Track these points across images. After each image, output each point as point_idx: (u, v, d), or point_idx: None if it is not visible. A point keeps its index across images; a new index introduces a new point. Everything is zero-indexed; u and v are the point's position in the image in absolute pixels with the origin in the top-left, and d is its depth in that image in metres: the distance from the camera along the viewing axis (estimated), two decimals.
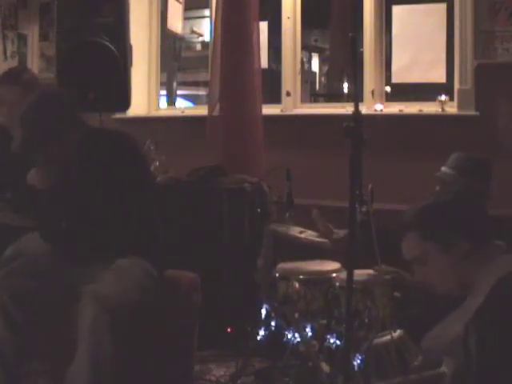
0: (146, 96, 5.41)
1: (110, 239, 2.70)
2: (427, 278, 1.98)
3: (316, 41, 8.86)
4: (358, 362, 2.76)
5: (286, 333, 3.11)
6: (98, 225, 2.70)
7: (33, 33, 5.53)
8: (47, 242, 2.82)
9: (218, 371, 3.48)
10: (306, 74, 8.25)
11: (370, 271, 2.92)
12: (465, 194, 2.06)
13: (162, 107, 5.75)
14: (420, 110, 4.39)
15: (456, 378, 1.83)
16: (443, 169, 3.31)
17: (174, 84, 7.00)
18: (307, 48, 8.49)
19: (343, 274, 2.95)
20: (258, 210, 3.78)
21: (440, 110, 4.28)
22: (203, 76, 7.08)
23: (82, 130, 2.83)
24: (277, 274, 3.13)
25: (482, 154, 3.33)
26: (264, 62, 4.74)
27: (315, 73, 9.28)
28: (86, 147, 2.80)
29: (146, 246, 2.80)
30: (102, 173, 2.75)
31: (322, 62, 9.14)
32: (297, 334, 3.07)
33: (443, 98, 4.28)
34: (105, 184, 2.73)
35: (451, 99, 4.29)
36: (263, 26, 4.80)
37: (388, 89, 4.84)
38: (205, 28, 7.16)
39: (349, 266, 2.09)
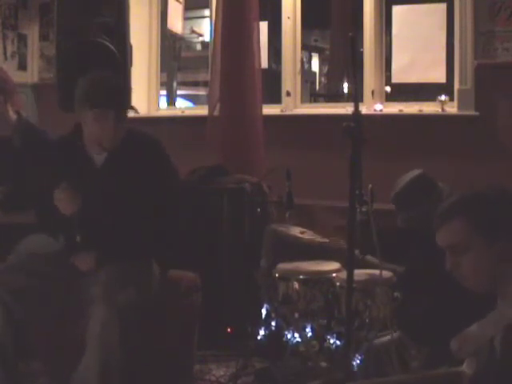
0: (146, 96, 5.41)
1: (126, 240, 2.71)
2: (460, 268, 1.90)
3: (316, 41, 8.87)
4: (358, 362, 2.76)
5: (286, 333, 3.11)
6: (117, 225, 2.71)
7: (33, 33, 5.53)
8: (52, 236, 2.83)
9: (218, 371, 3.48)
10: (306, 74, 8.26)
11: (370, 271, 2.92)
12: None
13: (162, 107, 5.75)
14: (420, 110, 4.39)
15: (476, 379, 1.80)
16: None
17: (174, 84, 7.00)
18: (307, 48, 8.51)
19: (343, 274, 2.95)
20: (258, 209, 3.78)
21: (440, 110, 4.28)
22: (203, 76, 7.08)
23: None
24: (277, 274, 3.13)
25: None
26: (264, 62, 4.74)
27: (315, 73, 9.29)
28: (123, 145, 2.82)
29: (156, 248, 2.81)
30: (131, 172, 2.76)
31: (322, 62, 9.15)
32: (297, 334, 3.07)
33: (443, 97, 4.28)
34: (132, 184, 2.74)
35: (451, 99, 4.29)
36: (263, 26, 4.80)
37: (388, 89, 4.84)
38: (205, 28, 7.17)
39: (349, 266, 2.09)
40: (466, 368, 1.88)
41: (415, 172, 3.15)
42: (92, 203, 2.75)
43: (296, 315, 3.08)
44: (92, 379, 2.42)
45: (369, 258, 2.79)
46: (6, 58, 5.33)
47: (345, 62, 6.63)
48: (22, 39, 5.49)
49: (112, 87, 2.79)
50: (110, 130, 2.73)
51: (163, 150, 2.89)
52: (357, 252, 2.68)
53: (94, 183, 2.79)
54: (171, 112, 5.62)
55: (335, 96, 7.05)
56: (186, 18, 6.16)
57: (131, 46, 4.06)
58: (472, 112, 4.10)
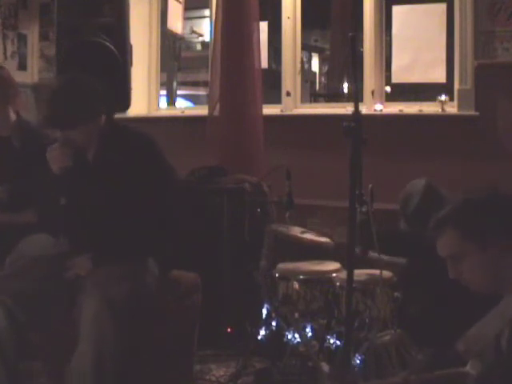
0: (146, 96, 5.41)
1: (124, 240, 2.71)
2: (462, 275, 1.93)
3: (316, 41, 8.87)
4: (358, 362, 2.76)
5: (286, 333, 3.11)
6: (113, 225, 2.70)
7: (33, 33, 5.53)
8: (54, 237, 2.82)
9: (218, 371, 3.48)
10: (306, 74, 8.27)
11: (370, 271, 2.92)
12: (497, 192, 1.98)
13: (162, 107, 5.75)
14: (420, 110, 4.39)
15: (481, 379, 1.80)
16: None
17: (174, 84, 7.00)
18: (307, 48, 8.51)
19: (343, 274, 2.95)
20: (258, 209, 3.78)
21: (440, 109, 4.28)
22: (203, 76, 7.08)
23: (107, 123, 2.83)
24: (277, 274, 3.13)
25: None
26: (264, 62, 4.74)
27: (315, 73, 9.30)
28: (113, 141, 2.80)
29: (156, 247, 2.81)
30: (128, 170, 2.74)
31: (322, 62, 9.15)
32: (297, 334, 3.07)
33: (443, 97, 4.28)
34: (127, 181, 2.73)
35: (451, 99, 4.29)
36: (263, 26, 4.80)
37: (388, 89, 4.84)
38: (205, 28, 7.17)
39: (349, 266, 2.09)
40: (470, 369, 1.88)
41: (421, 184, 3.15)
42: (85, 201, 2.75)
43: (296, 315, 3.09)
44: (86, 367, 2.41)
45: (371, 254, 2.78)
46: (5, 58, 5.34)
47: (345, 62, 6.63)
48: (22, 39, 5.49)
49: None
50: None
51: (156, 145, 2.86)
52: (358, 250, 2.69)
53: (86, 180, 2.80)
54: (171, 112, 5.62)
55: (335, 96, 7.05)
56: (185, 18, 6.16)
57: (131, 46, 4.06)
58: (472, 112, 4.10)
